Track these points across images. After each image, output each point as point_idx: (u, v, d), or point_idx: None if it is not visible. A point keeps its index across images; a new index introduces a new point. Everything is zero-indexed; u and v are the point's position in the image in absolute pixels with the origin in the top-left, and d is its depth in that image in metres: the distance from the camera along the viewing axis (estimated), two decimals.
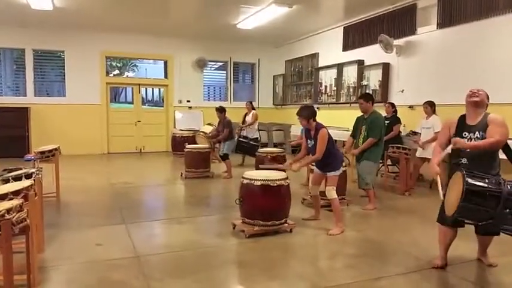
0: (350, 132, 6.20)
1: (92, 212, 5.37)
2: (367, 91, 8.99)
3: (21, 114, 10.59)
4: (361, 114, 5.83)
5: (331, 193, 4.54)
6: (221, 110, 8.30)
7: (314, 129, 4.59)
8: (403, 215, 5.45)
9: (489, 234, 3.34)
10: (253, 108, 9.73)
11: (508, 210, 2.77)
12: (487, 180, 2.87)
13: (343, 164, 4.89)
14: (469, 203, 2.78)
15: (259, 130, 10.03)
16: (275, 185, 4.26)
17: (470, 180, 2.82)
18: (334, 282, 3.22)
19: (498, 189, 2.80)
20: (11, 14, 9.59)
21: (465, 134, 3.36)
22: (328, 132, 4.57)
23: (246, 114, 9.71)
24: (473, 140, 3.29)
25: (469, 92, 3.41)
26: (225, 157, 8.12)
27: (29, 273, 2.81)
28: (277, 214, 4.34)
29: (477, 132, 3.30)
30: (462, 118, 3.45)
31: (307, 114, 4.58)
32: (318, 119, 4.72)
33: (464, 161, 3.30)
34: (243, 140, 9.03)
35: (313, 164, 4.88)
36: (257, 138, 9.61)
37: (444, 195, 3.16)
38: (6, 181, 3.38)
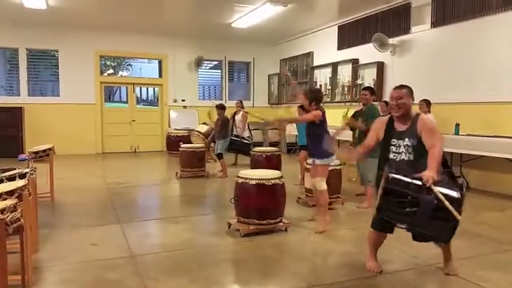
0: (347, 131, 6.25)
1: (86, 212, 5.35)
2: None
3: (15, 114, 10.53)
4: (359, 109, 5.88)
5: (321, 184, 4.52)
6: (221, 108, 8.30)
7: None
8: None
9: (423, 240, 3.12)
10: (243, 107, 9.63)
11: (433, 195, 2.73)
12: (409, 182, 2.82)
13: (334, 157, 4.84)
14: (392, 186, 2.78)
15: (250, 129, 9.93)
16: (270, 184, 4.26)
17: (389, 170, 2.83)
18: (328, 280, 3.23)
19: (417, 196, 2.75)
20: (4, 13, 9.54)
21: (393, 142, 3.16)
22: (323, 116, 4.49)
23: (235, 113, 9.61)
24: (402, 147, 3.11)
25: (391, 103, 3.23)
26: (219, 156, 8.12)
27: (23, 274, 2.80)
28: (272, 213, 4.35)
29: (407, 139, 3.10)
30: (390, 122, 3.24)
31: (311, 96, 4.56)
32: None
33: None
34: (235, 138, 9.00)
35: (309, 163, 4.87)
36: (248, 136, 9.55)
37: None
38: (0, 181, 3.36)
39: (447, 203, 2.71)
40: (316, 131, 4.53)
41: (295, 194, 6.01)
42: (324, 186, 4.54)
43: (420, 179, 2.78)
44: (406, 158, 3.10)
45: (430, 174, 2.80)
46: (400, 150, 3.12)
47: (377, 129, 3.32)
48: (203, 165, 8.09)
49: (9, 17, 9.91)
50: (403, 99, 3.14)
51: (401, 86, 3.24)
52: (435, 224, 2.79)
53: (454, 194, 2.81)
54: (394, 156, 3.15)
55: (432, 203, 2.73)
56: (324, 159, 4.52)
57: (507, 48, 6.36)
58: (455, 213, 2.71)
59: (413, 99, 3.22)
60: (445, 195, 2.74)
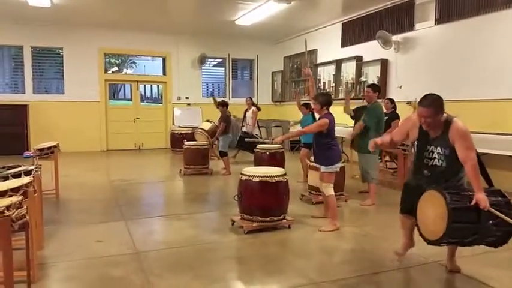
0: (349, 128, 6.28)
1: (91, 209, 5.38)
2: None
3: (20, 111, 10.59)
4: (363, 105, 5.91)
5: (328, 190, 4.54)
6: (223, 105, 8.33)
7: (321, 117, 4.56)
8: None
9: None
10: (254, 104, 9.67)
11: (491, 221, 2.77)
12: (462, 193, 2.87)
13: (341, 160, 4.88)
14: (457, 223, 2.74)
15: (259, 127, 9.97)
16: (273, 181, 4.28)
17: (451, 199, 2.78)
18: (332, 277, 3.24)
19: (477, 226, 2.80)
20: (9, 11, 9.57)
21: (427, 147, 3.10)
22: (331, 123, 4.47)
23: (246, 110, 9.67)
24: (435, 154, 3.05)
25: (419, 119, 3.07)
26: (222, 154, 8.14)
27: (28, 270, 2.82)
28: (275, 210, 4.37)
29: (439, 148, 3.04)
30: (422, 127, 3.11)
31: (322, 100, 4.55)
32: None
33: (425, 172, 3.12)
34: (244, 136, 9.01)
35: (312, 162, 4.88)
36: (257, 134, 9.58)
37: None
38: (5, 178, 3.38)
39: (507, 218, 2.76)
40: (322, 140, 4.52)
41: (299, 191, 6.02)
42: (331, 191, 4.55)
43: (476, 206, 2.78)
44: (438, 164, 3.06)
45: (481, 197, 2.77)
46: (433, 156, 3.08)
47: (407, 128, 3.22)
48: (207, 162, 8.12)
49: (14, 15, 9.94)
50: (430, 118, 2.98)
51: (428, 103, 2.98)
52: (492, 239, 2.89)
53: (504, 204, 2.87)
54: (426, 161, 3.12)
55: (492, 229, 2.80)
56: (329, 166, 4.53)
57: (511, 45, 6.32)
58: None
59: (443, 112, 3.01)
60: (501, 211, 2.79)
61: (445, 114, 3.04)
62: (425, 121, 3.00)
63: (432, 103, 2.98)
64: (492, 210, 2.77)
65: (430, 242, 2.96)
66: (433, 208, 2.90)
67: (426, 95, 3.05)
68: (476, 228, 2.81)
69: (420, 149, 3.15)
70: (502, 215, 2.77)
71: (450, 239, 2.90)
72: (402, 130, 3.33)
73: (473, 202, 2.79)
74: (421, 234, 3.02)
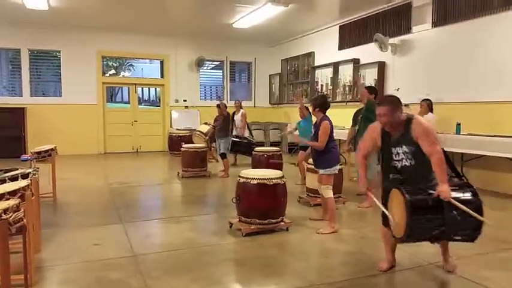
0: (346, 131, 6.28)
1: (88, 212, 5.37)
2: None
3: (18, 114, 10.57)
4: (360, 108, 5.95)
5: (327, 192, 4.55)
6: (220, 106, 8.35)
7: (318, 120, 4.58)
8: None
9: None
10: (241, 107, 9.56)
11: (455, 212, 2.79)
12: (422, 191, 2.91)
13: (339, 163, 4.89)
14: (417, 215, 2.77)
15: (250, 129, 9.88)
16: (271, 183, 4.28)
17: (409, 195, 2.81)
18: (330, 280, 3.24)
19: (441, 217, 2.82)
20: (6, 14, 9.58)
21: (393, 150, 3.11)
22: (331, 126, 4.50)
23: (234, 113, 9.53)
24: (401, 154, 3.06)
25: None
26: (223, 156, 8.13)
27: (26, 273, 2.82)
28: (273, 213, 4.37)
29: (404, 147, 3.05)
30: (385, 130, 3.15)
31: (315, 103, 4.60)
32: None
33: (397, 176, 3.13)
34: (236, 139, 8.99)
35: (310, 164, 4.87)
36: (249, 136, 9.52)
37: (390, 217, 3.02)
38: (2, 181, 3.37)
39: (471, 212, 2.78)
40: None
41: (297, 194, 6.03)
42: (330, 194, 4.55)
43: (438, 198, 2.81)
44: (408, 164, 3.06)
45: (444, 189, 2.82)
46: (400, 157, 3.09)
47: (373, 137, 3.26)
48: (205, 165, 8.11)
49: (11, 18, 9.93)
50: (384, 117, 3.05)
51: (385, 101, 3.12)
52: (462, 233, 2.90)
53: (469, 196, 2.91)
54: (395, 164, 3.12)
55: (457, 219, 2.80)
56: (328, 168, 4.54)
57: (508, 48, 6.35)
58: (479, 217, 2.80)
59: (401, 111, 3.07)
60: (463, 201, 2.81)
61: (404, 114, 3.09)
62: (384, 120, 3.06)
63: (389, 102, 3.09)
64: (453, 201, 2.79)
65: (400, 240, 2.97)
66: (396, 206, 2.94)
67: (384, 97, 3.15)
68: (441, 220, 2.81)
69: (386, 154, 3.18)
70: (462, 206, 2.78)
71: (418, 234, 2.88)
72: (370, 139, 3.32)
73: (435, 193, 2.83)
74: (393, 236, 3.04)
